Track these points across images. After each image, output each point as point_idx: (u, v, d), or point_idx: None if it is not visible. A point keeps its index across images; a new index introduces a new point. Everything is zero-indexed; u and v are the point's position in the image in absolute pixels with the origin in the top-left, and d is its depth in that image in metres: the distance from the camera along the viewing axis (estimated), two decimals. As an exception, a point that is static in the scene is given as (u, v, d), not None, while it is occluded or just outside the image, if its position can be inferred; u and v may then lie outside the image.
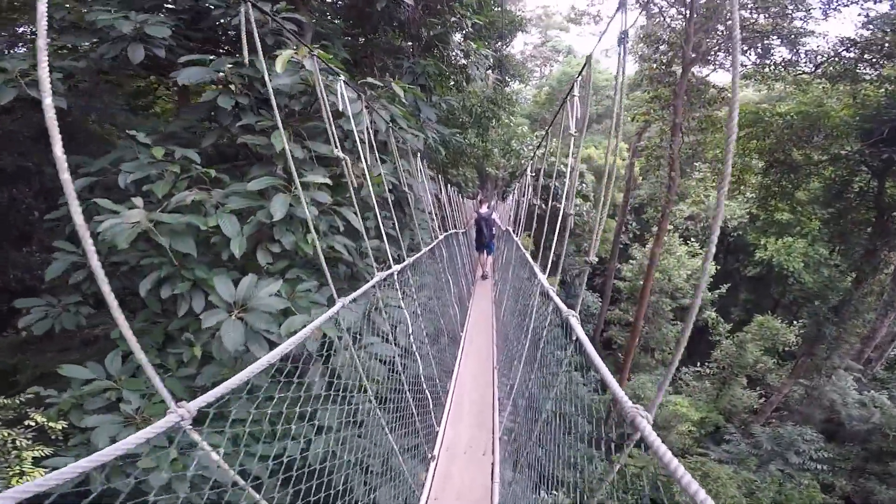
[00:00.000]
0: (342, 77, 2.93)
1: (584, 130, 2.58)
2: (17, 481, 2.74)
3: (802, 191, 16.68)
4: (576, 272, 27.48)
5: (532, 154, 12.58)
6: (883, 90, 13.52)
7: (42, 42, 0.84)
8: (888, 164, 13.60)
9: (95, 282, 3.08)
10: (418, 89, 6.39)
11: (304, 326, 2.42)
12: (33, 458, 2.99)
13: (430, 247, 5.75)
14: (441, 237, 7.04)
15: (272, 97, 1.95)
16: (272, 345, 3.05)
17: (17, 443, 3.05)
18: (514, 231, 8.34)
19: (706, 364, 22.83)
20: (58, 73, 3.97)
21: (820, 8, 13.86)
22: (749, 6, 14.93)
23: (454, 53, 8.49)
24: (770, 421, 19.00)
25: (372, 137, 5.05)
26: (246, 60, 1.82)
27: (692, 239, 27.54)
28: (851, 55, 13.87)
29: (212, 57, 4.16)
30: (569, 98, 2.87)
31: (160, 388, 1.11)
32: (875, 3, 13.18)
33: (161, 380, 3.17)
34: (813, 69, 15.01)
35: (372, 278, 3.60)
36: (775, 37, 14.91)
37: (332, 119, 4.32)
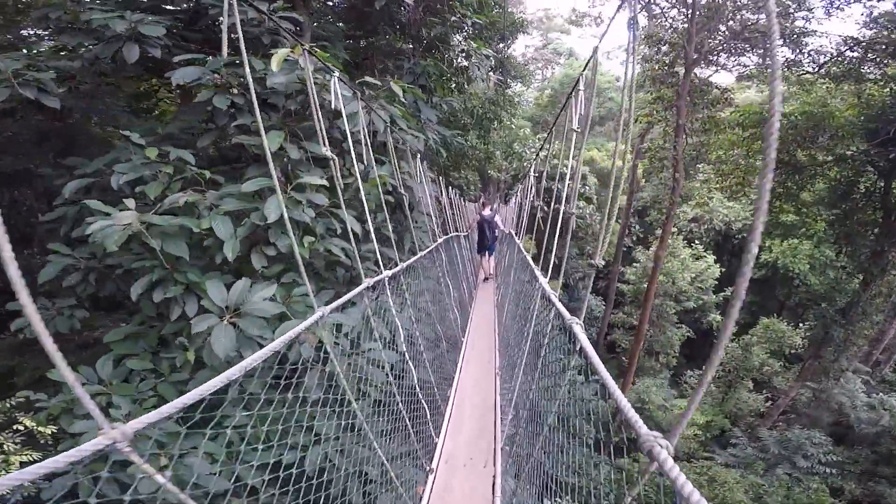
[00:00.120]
0: (336, 74, 2.84)
1: (587, 127, 2.49)
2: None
3: (807, 192, 16.52)
4: (579, 276, 27.35)
5: (535, 156, 12.51)
6: (888, 89, 13.35)
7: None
8: (895, 164, 13.46)
9: (91, 285, 3.01)
10: (419, 90, 6.30)
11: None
12: (21, 462, 2.92)
13: (426, 251, 5.61)
14: (441, 240, 6.92)
15: (252, 94, 1.87)
16: (266, 351, 2.95)
17: (5, 447, 2.99)
18: (516, 234, 8.24)
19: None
20: (50, 73, 3.90)
21: (822, 7, 13.73)
22: (750, 6, 14.85)
23: (455, 54, 8.41)
24: (777, 424, 18.84)
25: (371, 138, 4.98)
26: (224, 55, 1.72)
27: (696, 241, 27.37)
28: (855, 54, 13.74)
29: (209, 57, 4.10)
30: (573, 94, 2.77)
31: (89, 406, 1.01)
32: (878, 0, 13.07)
33: (152, 384, 3.10)
34: (816, 69, 14.90)
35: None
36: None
37: (330, 119, 4.27)
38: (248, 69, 1.83)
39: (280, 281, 3.84)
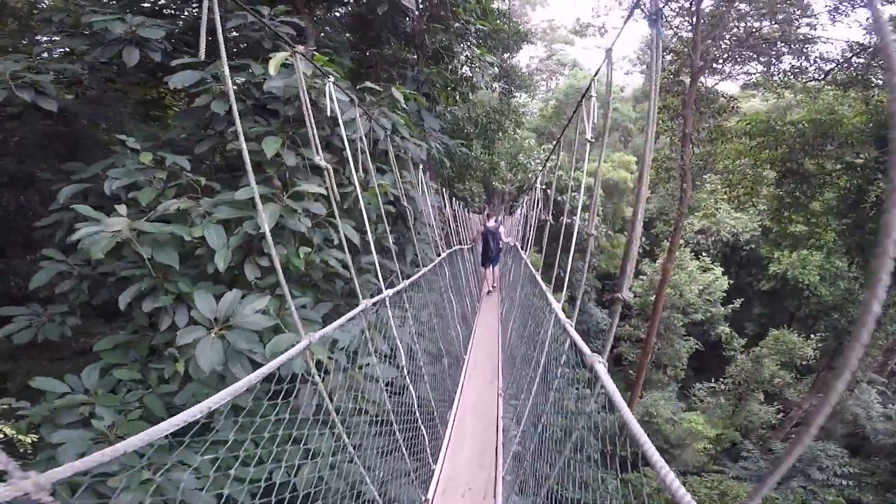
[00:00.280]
0: (332, 78, 2.72)
1: (606, 136, 2.33)
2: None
3: (817, 201, 16.30)
4: (586, 288, 27.12)
5: (541, 166, 12.38)
6: (897, 94, 13.09)
7: None
8: (906, 171, 13.08)
9: (84, 292, 2.89)
10: (422, 97, 6.19)
11: (293, 346, 2.19)
12: None
13: (428, 267, 5.43)
14: (444, 255, 6.75)
15: (231, 97, 1.74)
16: (255, 365, 2.81)
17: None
18: (522, 247, 8.07)
19: (721, 380, 22.46)
20: (49, 75, 3.83)
21: (827, 12, 13.60)
22: (752, 13, 14.77)
23: (459, 63, 8.33)
24: (789, 436, 18.56)
25: (372, 146, 4.86)
26: (202, 56, 1.59)
27: (703, 253, 27.13)
28: (862, 60, 13.59)
29: (211, 61, 4.02)
30: (584, 99, 2.62)
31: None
32: (884, 4, 12.90)
33: (139, 395, 2.95)
34: (823, 76, 14.75)
35: (372, 295, 3.35)
36: (783, 44, 14.70)
37: (330, 126, 4.16)
38: (226, 70, 1.71)
39: (275, 292, 3.72)
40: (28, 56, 4.10)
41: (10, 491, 0.83)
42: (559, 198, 18.56)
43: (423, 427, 3.93)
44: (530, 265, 5.76)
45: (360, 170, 3.90)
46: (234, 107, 1.73)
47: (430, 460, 4.12)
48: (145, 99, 6.13)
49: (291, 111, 4.03)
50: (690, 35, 15.23)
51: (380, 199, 4.15)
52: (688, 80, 15.24)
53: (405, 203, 5.08)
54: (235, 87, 3.84)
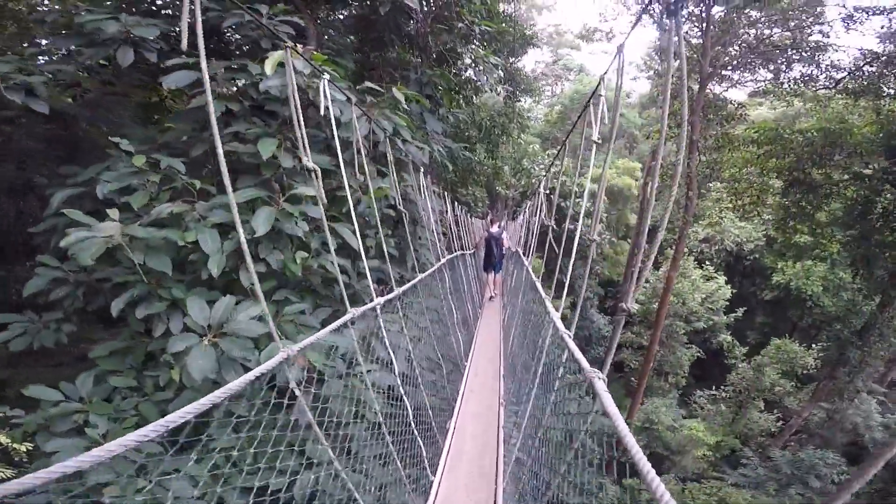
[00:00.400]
0: (326, 76, 2.63)
1: (614, 133, 2.24)
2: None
3: (822, 212, 16.16)
4: (588, 295, 27.01)
5: (545, 171, 12.28)
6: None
7: None
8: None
9: (79, 299, 2.83)
10: (424, 99, 6.09)
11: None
12: None
13: (427, 273, 5.33)
14: (444, 260, 6.64)
15: (209, 98, 1.64)
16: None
17: (-22, 464, 2.84)
18: (524, 253, 7.96)
19: (721, 387, 22.48)
20: (41, 77, 3.73)
21: (841, 20, 13.46)
22: (763, 20, 14.67)
23: (463, 65, 8.22)
24: (789, 444, 18.57)
25: (372, 149, 4.76)
26: (184, 46, 1.50)
27: (707, 262, 27.03)
28: (873, 69, 13.44)
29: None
30: (593, 99, 2.53)
31: None
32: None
33: (134, 403, 2.88)
34: (833, 84, 14.61)
35: (369, 299, 3.27)
36: (794, 52, 14.59)
37: (330, 127, 4.06)
38: (204, 68, 1.61)
39: (271, 298, 3.64)
40: (21, 57, 4.00)
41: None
42: (562, 203, 18.53)
43: (419, 438, 3.84)
44: (531, 272, 5.65)
45: (358, 172, 3.83)
46: (211, 103, 1.64)
47: (429, 471, 4.02)
48: (147, 102, 6.03)
49: (289, 112, 3.94)
50: (699, 41, 15.13)
51: (374, 202, 4.05)
52: (696, 87, 15.12)
53: (402, 207, 4.99)
54: (234, 89, 3.77)
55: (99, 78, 4.60)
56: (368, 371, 3.26)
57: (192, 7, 1.47)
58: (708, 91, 15.46)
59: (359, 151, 3.59)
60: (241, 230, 1.90)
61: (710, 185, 18.42)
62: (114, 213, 3.11)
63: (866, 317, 15.91)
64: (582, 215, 3.33)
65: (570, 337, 2.48)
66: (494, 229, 11.35)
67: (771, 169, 15.64)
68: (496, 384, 6.11)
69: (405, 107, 5.02)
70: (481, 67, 8.33)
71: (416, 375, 4.15)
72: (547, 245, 5.55)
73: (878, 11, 12.93)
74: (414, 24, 7.34)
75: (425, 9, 7.43)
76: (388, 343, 3.46)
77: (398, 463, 3.38)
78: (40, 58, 4.57)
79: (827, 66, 14.53)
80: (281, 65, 3.12)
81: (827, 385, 17.51)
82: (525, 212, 11.17)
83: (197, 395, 2.95)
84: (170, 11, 5.04)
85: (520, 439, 3.57)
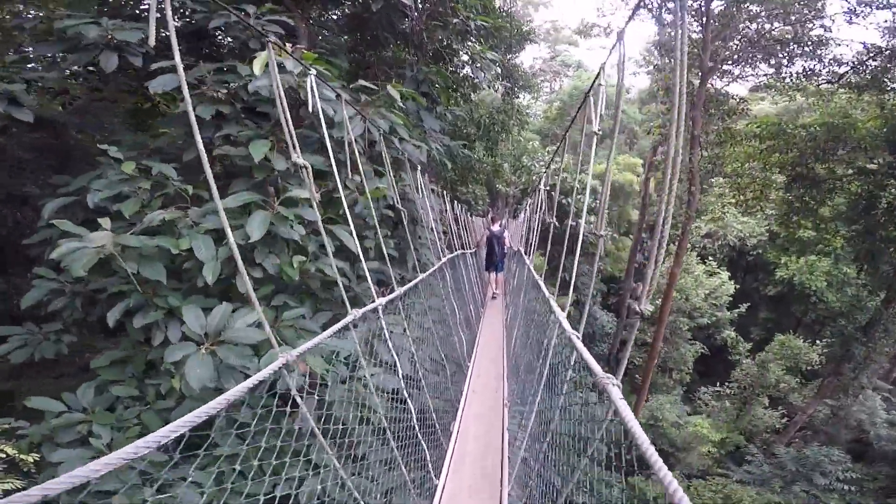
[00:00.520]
0: (313, 72, 2.56)
1: (617, 124, 2.15)
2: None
3: (826, 207, 16.07)
4: (591, 292, 26.86)
5: (545, 168, 12.20)
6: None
7: None
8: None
9: (77, 309, 2.77)
10: (420, 97, 6.00)
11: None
12: (4, 490, 2.81)
13: (427, 273, 5.24)
14: (444, 259, 6.55)
15: (188, 101, 1.58)
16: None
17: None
18: (525, 251, 7.87)
19: (726, 384, 22.47)
20: (21, 84, 3.65)
21: (843, 14, 13.33)
22: (764, 14, 14.55)
23: (460, 61, 8.12)
24: (793, 441, 18.51)
25: (369, 148, 4.68)
26: (151, 42, 1.43)
27: (710, 258, 26.94)
28: (877, 63, 13.33)
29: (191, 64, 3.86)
30: (593, 89, 2.44)
31: None
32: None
33: (136, 412, 2.83)
34: (836, 79, 14.49)
35: (370, 302, 3.19)
36: (795, 46, 14.46)
37: (325, 127, 3.99)
38: (181, 69, 1.54)
39: (269, 304, 3.57)
40: (2, 65, 3.91)
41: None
42: (563, 200, 18.43)
43: (423, 440, 3.77)
44: (533, 270, 5.56)
45: (353, 173, 3.75)
46: (189, 104, 1.57)
47: (433, 474, 3.96)
48: (138, 108, 5.95)
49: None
50: (699, 36, 15.01)
51: (371, 202, 3.97)
52: (696, 82, 15.02)
53: (400, 206, 4.91)
54: (224, 92, 3.69)
55: (87, 85, 4.52)
56: (372, 374, 3.18)
57: (162, 6, 1.39)
58: (709, 86, 15.34)
59: (353, 150, 3.51)
60: (231, 237, 1.83)
61: (713, 180, 18.31)
62: (105, 222, 3.04)
63: (871, 312, 15.84)
64: (584, 211, 3.24)
65: (578, 338, 2.39)
66: (496, 228, 11.27)
67: (774, 164, 15.58)
68: (499, 385, 6.04)
69: (401, 104, 4.94)
70: (478, 64, 8.22)
71: (420, 377, 4.08)
72: (549, 242, 5.47)
73: (882, 6, 12.80)
74: (408, 21, 7.25)
75: (420, 5, 7.33)
76: (391, 345, 3.38)
77: (403, 468, 3.31)
78: (29, 65, 4.50)
79: (829, 60, 14.41)
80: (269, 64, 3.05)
81: (831, 381, 17.43)
82: (526, 209, 11.09)
83: (198, 404, 2.90)
84: (158, 16, 4.94)
85: (525, 441, 3.51)
